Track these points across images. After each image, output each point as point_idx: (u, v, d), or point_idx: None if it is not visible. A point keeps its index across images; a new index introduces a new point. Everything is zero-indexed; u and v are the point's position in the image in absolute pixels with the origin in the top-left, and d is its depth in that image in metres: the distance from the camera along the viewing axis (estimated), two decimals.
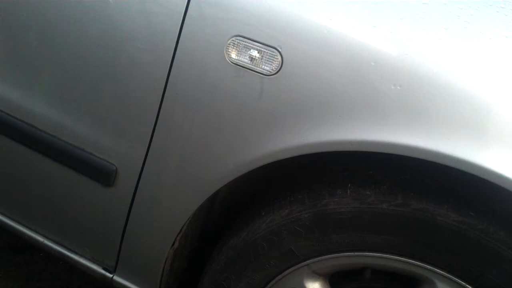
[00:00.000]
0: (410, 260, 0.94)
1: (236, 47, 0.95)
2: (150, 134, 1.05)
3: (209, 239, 1.26)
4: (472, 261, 0.90)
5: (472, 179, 0.85)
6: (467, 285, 0.92)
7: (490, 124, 0.84)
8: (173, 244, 1.11)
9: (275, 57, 0.93)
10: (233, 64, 0.95)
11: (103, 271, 1.22)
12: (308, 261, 1.01)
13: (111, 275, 1.21)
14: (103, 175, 1.11)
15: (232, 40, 0.95)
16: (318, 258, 1.00)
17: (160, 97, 1.02)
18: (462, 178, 0.89)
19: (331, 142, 0.92)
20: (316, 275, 1.03)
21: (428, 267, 0.93)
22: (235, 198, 1.25)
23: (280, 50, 0.93)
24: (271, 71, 0.94)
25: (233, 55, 0.95)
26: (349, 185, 0.97)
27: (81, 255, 1.25)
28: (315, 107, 0.92)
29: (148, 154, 1.06)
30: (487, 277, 0.90)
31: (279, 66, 0.93)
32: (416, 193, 0.92)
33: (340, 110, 0.91)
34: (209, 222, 1.26)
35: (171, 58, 1.00)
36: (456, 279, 0.92)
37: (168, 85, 1.01)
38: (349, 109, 0.90)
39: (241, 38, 0.95)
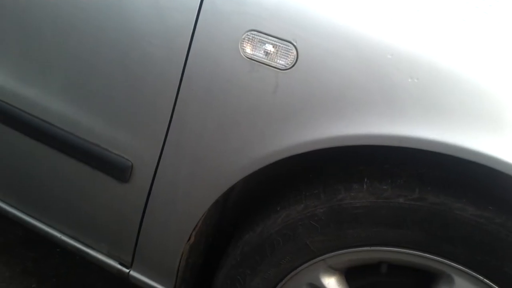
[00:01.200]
0: (427, 255, 0.94)
1: (251, 42, 0.95)
2: (165, 130, 1.05)
3: (224, 234, 1.26)
4: (490, 255, 0.89)
5: (490, 173, 0.84)
6: (485, 280, 0.91)
7: (505, 116, 0.83)
8: (188, 240, 1.12)
9: (290, 51, 0.93)
10: (248, 59, 0.95)
11: (119, 266, 1.23)
12: (324, 256, 1.01)
13: (127, 270, 1.22)
14: (119, 171, 1.12)
15: (247, 35, 0.95)
16: (334, 253, 1.00)
17: (175, 93, 1.02)
18: (480, 172, 0.89)
19: (347, 137, 0.91)
20: (332, 270, 1.03)
21: (446, 261, 0.93)
22: (250, 193, 1.25)
23: (295, 44, 0.92)
24: (286, 65, 0.93)
25: (248, 50, 0.95)
26: (365, 180, 0.97)
27: (97, 251, 1.26)
28: (330, 101, 0.92)
29: (164, 149, 1.07)
30: (505, 271, 0.89)
31: (295, 60, 0.93)
32: (433, 187, 0.92)
33: (356, 104, 0.90)
34: (224, 218, 1.26)
35: (185, 53, 1.00)
36: (474, 273, 0.91)
37: (183, 81, 1.01)
38: (365, 103, 0.90)
39: (255, 33, 0.94)
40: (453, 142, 0.84)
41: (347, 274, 1.05)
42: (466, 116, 0.84)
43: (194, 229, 1.10)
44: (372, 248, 0.97)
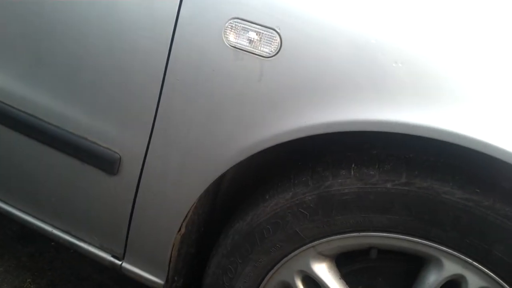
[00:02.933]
0: (416, 239, 0.94)
1: (234, 30, 0.94)
2: (152, 121, 1.05)
3: (216, 223, 1.26)
4: (478, 238, 0.89)
5: (478, 156, 0.84)
6: (474, 262, 0.91)
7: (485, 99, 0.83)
8: (179, 230, 1.12)
9: (274, 38, 0.92)
10: (232, 47, 0.94)
11: (112, 259, 1.23)
12: (313, 243, 1.01)
13: (120, 262, 1.22)
14: (107, 163, 1.11)
15: (230, 23, 0.94)
16: (324, 239, 1.00)
17: (160, 84, 1.01)
18: (468, 155, 0.88)
19: (333, 123, 0.91)
20: (322, 256, 1.03)
21: (434, 245, 0.93)
22: (241, 182, 1.25)
23: (278, 31, 0.91)
24: (270, 52, 0.92)
25: (232, 38, 0.94)
26: (353, 166, 0.96)
27: (89, 244, 1.26)
28: (316, 88, 0.91)
29: (151, 141, 1.06)
30: (493, 253, 0.89)
31: (278, 48, 0.92)
32: (420, 172, 0.91)
33: (341, 90, 0.90)
34: (216, 207, 1.26)
35: (169, 44, 0.99)
36: (463, 256, 0.92)
37: (167, 72, 1.00)
38: (351, 89, 0.89)
39: (239, 21, 0.93)
40: (433, 125, 0.83)
41: (338, 260, 1.06)
42: (447, 100, 0.84)
43: (184, 219, 1.10)
44: (361, 233, 0.97)
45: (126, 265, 1.21)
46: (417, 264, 1.00)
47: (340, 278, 1.04)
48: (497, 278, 0.91)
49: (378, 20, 0.87)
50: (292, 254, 1.03)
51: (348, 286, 1.05)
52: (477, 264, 0.91)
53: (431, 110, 0.84)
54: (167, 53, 0.99)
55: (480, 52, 0.84)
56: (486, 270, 0.91)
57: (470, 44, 0.84)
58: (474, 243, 0.90)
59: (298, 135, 0.94)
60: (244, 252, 1.07)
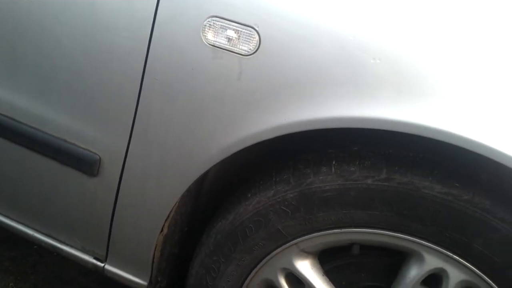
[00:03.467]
0: (397, 234, 0.94)
1: (213, 28, 0.94)
2: (131, 122, 1.04)
3: (200, 223, 1.26)
4: (458, 232, 0.90)
5: (457, 151, 0.85)
6: (454, 256, 0.92)
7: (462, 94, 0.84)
8: (162, 230, 1.11)
9: (253, 36, 0.92)
10: (211, 46, 0.94)
11: (94, 261, 1.22)
12: (296, 240, 1.01)
13: (102, 264, 1.21)
14: (87, 165, 1.10)
15: (208, 21, 0.94)
16: (306, 236, 1.00)
17: (139, 84, 1.01)
18: (447, 150, 0.89)
19: (313, 120, 0.91)
20: (305, 253, 1.03)
21: (415, 240, 0.93)
22: (223, 181, 1.24)
23: (257, 29, 0.91)
24: (249, 50, 0.92)
25: (210, 36, 0.94)
26: (334, 163, 0.97)
27: (72, 246, 1.24)
28: (295, 85, 0.91)
29: (131, 141, 1.05)
30: (473, 246, 0.90)
31: (257, 45, 0.92)
32: (400, 167, 0.92)
33: (321, 87, 0.90)
34: (199, 207, 1.25)
35: (147, 43, 0.98)
36: (443, 250, 0.92)
37: (146, 71, 0.99)
38: (330, 85, 0.89)
39: (217, 19, 0.93)
40: (412, 121, 0.84)
41: (320, 256, 1.06)
42: (425, 95, 0.84)
43: (166, 219, 1.09)
44: (343, 230, 0.97)
45: (108, 267, 1.20)
46: (399, 258, 1.01)
47: (323, 275, 1.05)
48: (477, 271, 0.92)
49: (356, 17, 0.87)
50: (275, 252, 1.03)
51: (331, 282, 1.05)
52: (457, 258, 0.92)
53: (409, 106, 0.85)
54: (146, 52, 0.99)
55: (458, 47, 0.84)
56: (467, 264, 0.92)
57: (447, 41, 0.85)
58: (454, 237, 0.91)
59: (279, 133, 0.94)
60: (227, 251, 1.06)
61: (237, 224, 1.04)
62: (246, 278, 1.08)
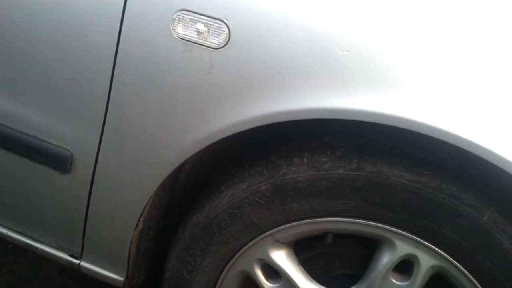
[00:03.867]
0: (369, 222, 0.96)
1: (182, 22, 0.93)
2: (102, 117, 1.03)
3: (175, 217, 1.26)
4: (427, 218, 0.92)
5: (425, 139, 0.87)
6: (424, 241, 0.94)
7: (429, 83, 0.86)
8: (137, 225, 1.11)
9: (222, 29, 0.92)
10: (181, 39, 0.94)
11: (69, 258, 1.21)
12: (271, 231, 1.02)
13: (78, 261, 1.20)
14: (58, 162, 1.09)
15: (178, 15, 0.93)
16: (280, 227, 1.01)
17: (109, 79, 1.00)
18: (416, 140, 0.91)
19: (284, 112, 0.92)
20: (280, 244, 1.04)
21: (386, 227, 0.95)
22: (198, 174, 1.24)
23: (226, 22, 0.91)
24: (219, 44, 0.92)
25: (180, 30, 0.94)
26: (306, 154, 0.98)
27: (46, 244, 1.23)
28: (266, 77, 0.92)
29: (103, 137, 1.05)
30: (442, 232, 0.92)
31: (227, 39, 0.92)
32: (370, 156, 0.94)
33: (291, 79, 0.91)
34: (175, 201, 1.25)
35: (116, 37, 0.97)
36: (414, 236, 0.94)
37: (116, 66, 0.99)
38: (299, 77, 0.90)
39: (186, 12, 0.93)
40: (382, 111, 0.86)
41: (295, 246, 1.07)
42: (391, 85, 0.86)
43: (141, 214, 1.09)
44: (316, 219, 0.99)
45: (84, 263, 1.20)
46: (372, 246, 1.02)
47: (298, 264, 1.06)
48: (447, 256, 0.95)
49: (324, 10, 0.88)
50: (250, 243, 1.04)
51: (306, 271, 1.07)
52: (427, 244, 0.94)
53: (377, 96, 0.86)
54: (115, 47, 0.98)
55: (422, 38, 0.86)
56: (437, 249, 0.94)
57: (411, 31, 0.86)
58: (423, 223, 0.93)
59: (251, 125, 0.95)
60: (202, 244, 1.07)
61: (212, 217, 1.04)
62: (222, 270, 1.08)
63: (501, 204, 0.92)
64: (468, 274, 0.95)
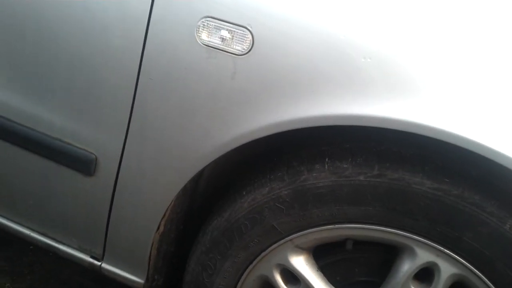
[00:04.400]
0: (389, 229, 0.96)
1: (207, 29, 0.95)
2: (127, 121, 1.05)
3: (196, 221, 1.27)
4: (448, 226, 0.92)
5: (447, 147, 0.87)
6: (445, 250, 0.94)
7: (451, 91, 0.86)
8: (158, 229, 1.12)
9: (246, 36, 0.93)
10: (205, 46, 0.95)
11: (91, 260, 1.23)
12: (291, 237, 1.03)
13: (99, 263, 1.22)
14: (83, 164, 1.11)
15: (202, 22, 0.95)
16: (300, 233, 1.02)
17: (134, 84, 1.02)
18: (437, 146, 0.91)
19: (306, 118, 0.93)
20: (299, 249, 1.05)
21: (407, 234, 0.95)
22: (219, 179, 1.26)
23: (250, 29, 0.93)
24: (243, 50, 0.94)
25: (204, 36, 0.95)
26: (327, 160, 0.98)
27: (68, 245, 1.25)
28: (288, 84, 0.93)
29: (127, 141, 1.06)
30: (463, 240, 0.92)
31: (251, 45, 0.93)
32: (391, 163, 0.94)
33: (313, 86, 0.92)
34: (195, 204, 1.27)
35: (142, 42, 0.99)
36: (434, 244, 0.94)
37: (141, 71, 1.01)
38: (322, 84, 0.91)
39: (210, 19, 0.94)
40: (404, 118, 0.86)
41: (315, 252, 1.07)
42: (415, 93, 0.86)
43: (162, 218, 1.11)
44: (337, 226, 0.99)
45: (105, 265, 1.22)
46: (392, 253, 1.02)
47: (317, 270, 1.06)
48: (468, 264, 0.94)
49: (347, 17, 0.89)
50: (270, 248, 1.05)
51: (326, 277, 1.07)
52: (448, 252, 0.94)
53: (399, 104, 0.87)
54: (141, 52, 1.00)
55: (443, 48, 0.86)
56: (457, 257, 0.94)
57: (432, 42, 0.87)
58: (444, 231, 0.93)
59: (272, 131, 0.96)
60: (223, 248, 1.08)
61: (232, 221, 1.05)
62: (242, 275, 1.09)
63: None
64: (489, 283, 0.95)
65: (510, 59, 0.86)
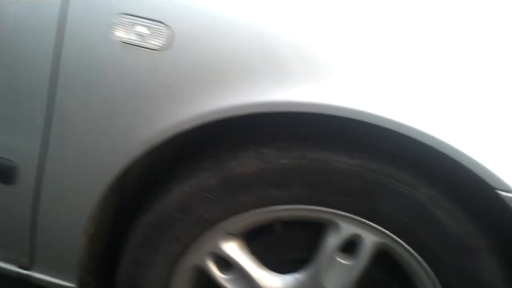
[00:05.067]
0: (313, 207, 1.01)
1: (123, 26, 0.95)
2: (45, 125, 1.03)
3: (126, 219, 1.26)
4: (368, 199, 0.98)
5: (361, 125, 0.93)
6: (366, 221, 1.00)
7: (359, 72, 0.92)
8: (86, 230, 1.10)
9: (164, 31, 0.94)
10: (122, 43, 0.95)
11: (19, 270, 1.19)
12: (221, 224, 1.05)
13: (28, 272, 1.18)
14: (3, 173, 1.08)
15: (118, 19, 0.95)
16: (230, 219, 1.04)
17: (50, 85, 1.00)
18: (356, 126, 0.97)
19: (227, 108, 0.95)
20: (231, 236, 1.08)
21: (330, 210, 1.01)
22: (150, 176, 1.25)
23: (167, 23, 0.94)
24: (162, 45, 0.95)
25: (121, 34, 0.95)
26: (251, 146, 1.02)
27: None
28: (211, 76, 0.95)
29: (46, 145, 1.04)
30: (382, 210, 0.98)
31: (169, 40, 0.94)
32: (311, 145, 0.99)
33: (234, 76, 0.94)
34: (125, 203, 1.26)
35: (58, 44, 0.98)
36: (356, 217, 1.00)
37: (59, 73, 0.99)
38: (242, 74, 0.94)
39: (126, 16, 0.95)
40: (319, 101, 0.91)
41: (246, 237, 1.11)
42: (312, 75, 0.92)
43: (91, 219, 1.09)
44: (265, 209, 1.03)
45: (35, 274, 1.18)
46: (319, 230, 1.07)
47: (250, 254, 1.10)
48: (388, 233, 1.01)
49: (263, 8, 0.92)
50: (202, 238, 1.07)
51: (259, 260, 1.11)
52: (369, 223, 1.00)
53: (312, 87, 0.92)
54: (57, 53, 0.98)
55: (350, 32, 0.92)
56: (379, 227, 1.00)
57: (339, 27, 0.92)
58: (364, 203, 0.99)
59: (197, 122, 0.97)
60: (154, 243, 1.09)
61: (162, 215, 1.06)
62: (175, 267, 1.11)
63: (437, 181, 0.98)
64: (411, 249, 1.01)
65: (403, 40, 0.92)
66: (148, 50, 0.95)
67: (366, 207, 0.99)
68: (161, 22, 0.94)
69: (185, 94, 0.96)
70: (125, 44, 0.95)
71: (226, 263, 1.11)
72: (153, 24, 0.94)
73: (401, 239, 1.01)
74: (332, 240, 1.04)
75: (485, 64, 0.91)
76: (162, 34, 0.94)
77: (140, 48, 0.95)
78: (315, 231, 1.08)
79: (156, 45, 0.95)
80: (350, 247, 1.05)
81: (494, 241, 0.98)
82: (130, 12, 0.95)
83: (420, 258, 1.01)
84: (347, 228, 1.02)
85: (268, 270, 1.11)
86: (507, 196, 0.88)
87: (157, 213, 1.07)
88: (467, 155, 0.88)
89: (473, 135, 0.89)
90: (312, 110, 0.93)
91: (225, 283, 1.11)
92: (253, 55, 0.93)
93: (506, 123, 0.90)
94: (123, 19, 0.95)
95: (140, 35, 0.95)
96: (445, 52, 0.91)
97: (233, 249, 1.08)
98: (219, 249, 1.08)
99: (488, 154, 0.88)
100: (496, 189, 0.88)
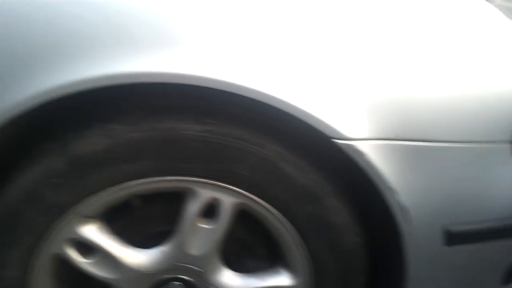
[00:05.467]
0: (169, 177, 1.01)
1: None
2: None
3: None
4: (221, 162, 1.00)
5: (208, 92, 0.94)
6: (221, 184, 1.02)
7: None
8: None
9: None
10: None
11: None
12: (75, 208, 1.01)
13: None
14: None
15: None
16: (84, 202, 1.01)
17: None
18: (204, 93, 0.97)
19: (70, 84, 0.91)
20: (88, 218, 1.04)
21: (186, 178, 1.01)
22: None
23: None
24: None
25: None
26: (96, 123, 0.98)
27: None
28: (44, 50, 0.90)
29: None
30: (235, 171, 1.01)
31: None
32: (163, 116, 0.98)
33: (76, 50, 0.90)
34: None
35: None
36: (211, 181, 1.02)
37: None
38: (86, 47, 0.90)
39: None
40: (164, 70, 0.91)
41: (107, 217, 1.08)
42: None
43: None
44: (119, 186, 1.00)
45: None
46: (179, 199, 1.08)
47: (112, 234, 1.07)
48: (244, 192, 1.04)
49: None
50: (58, 224, 1.02)
51: (124, 238, 1.08)
52: (225, 185, 1.03)
53: (157, 57, 0.91)
54: None
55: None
56: (234, 188, 1.03)
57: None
58: (218, 167, 1.01)
59: (29, 106, 0.91)
60: (4, 238, 1.01)
61: (9, 208, 0.99)
62: (32, 260, 1.04)
63: (283, 138, 1.03)
64: (266, 205, 1.05)
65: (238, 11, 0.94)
66: None
67: (220, 171, 1.01)
68: None
69: (13, 77, 0.90)
70: None
71: (88, 248, 1.07)
72: None
73: (256, 197, 1.05)
74: (192, 207, 1.04)
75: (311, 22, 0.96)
76: None
77: None
78: (176, 201, 1.09)
79: None
80: (211, 211, 1.08)
81: (338, 186, 1.06)
82: None
83: (276, 212, 1.06)
84: (204, 193, 1.03)
85: (133, 247, 1.09)
86: (342, 144, 0.96)
87: (4, 206, 0.99)
88: (303, 109, 0.94)
89: (307, 92, 0.95)
90: (159, 79, 0.92)
91: (88, 268, 1.07)
92: (97, 26, 0.89)
93: (333, 78, 0.96)
94: None
95: None
96: (279, 18, 0.95)
97: (91, 232, 1.05)
98: (77, 234, 1.04)
99: (322, 107, 0.95)
100: (332, 138, 0.95)
